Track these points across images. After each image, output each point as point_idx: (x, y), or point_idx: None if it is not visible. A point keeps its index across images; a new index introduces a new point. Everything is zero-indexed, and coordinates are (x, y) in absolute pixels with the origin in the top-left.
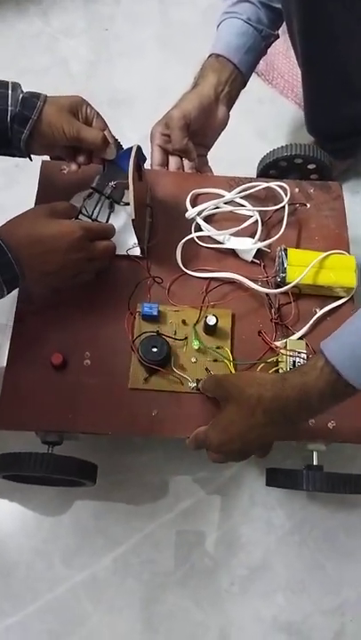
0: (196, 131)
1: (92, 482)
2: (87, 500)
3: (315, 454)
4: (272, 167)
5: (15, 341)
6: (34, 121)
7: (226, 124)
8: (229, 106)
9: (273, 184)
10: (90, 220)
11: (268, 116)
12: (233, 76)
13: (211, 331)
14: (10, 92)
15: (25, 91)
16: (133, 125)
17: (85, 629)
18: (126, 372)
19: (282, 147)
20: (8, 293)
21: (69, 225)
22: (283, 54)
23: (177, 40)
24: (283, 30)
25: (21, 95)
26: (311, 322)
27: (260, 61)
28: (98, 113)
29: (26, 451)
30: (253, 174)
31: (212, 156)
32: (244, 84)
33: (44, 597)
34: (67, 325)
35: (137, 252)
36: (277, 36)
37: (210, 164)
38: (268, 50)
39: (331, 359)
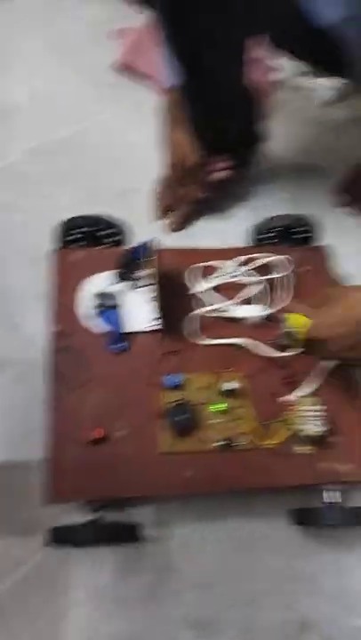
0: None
1: (136, 541)
2: None
3: (337, 493)
4: (267, 233)
5: (54, 419)
6: None
7: None
8: None
9: (272, 257)
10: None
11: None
12: None
13: (229, 393)
14: None
15: None
16: (20, 135)
17: None
18: (157, 439)
19: (273, 217)
20: None
21: None
22: None
23: (62, 50)
24: None
25: None
26: (316, 377)
27: (153, 70)
28: None
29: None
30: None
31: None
32: None
33: None
34: (99, 400)
35: (153, 327)
36: None
37: None
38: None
39: None
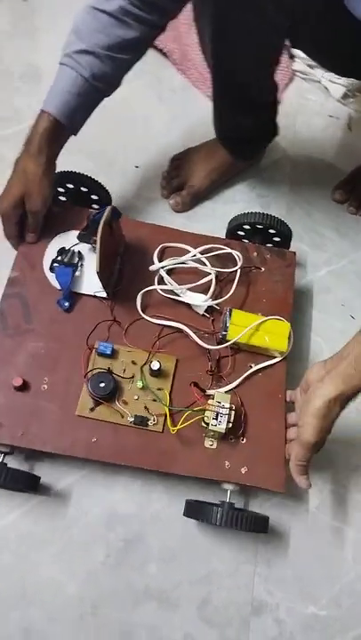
0: None
1: (35, 492)
2: None
3: (228, 492)
4: (239, 229)
5: None
6: None
7: None
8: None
9: (231, 250)
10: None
11: (179, 105)
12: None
13: (155, 373)
14: None
15: None
16: (39, 100)
17: None
18: (76, 401)
19: (248, 213)
20: None
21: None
22: (197, 45)
23: None
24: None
25: None
26: (243, 376)
27: (175, 49)
28: None
29: None
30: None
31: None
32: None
33: None
34: (32, 351)
35: (103, 294)
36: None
37: None
38: (181, 40)
39: None
